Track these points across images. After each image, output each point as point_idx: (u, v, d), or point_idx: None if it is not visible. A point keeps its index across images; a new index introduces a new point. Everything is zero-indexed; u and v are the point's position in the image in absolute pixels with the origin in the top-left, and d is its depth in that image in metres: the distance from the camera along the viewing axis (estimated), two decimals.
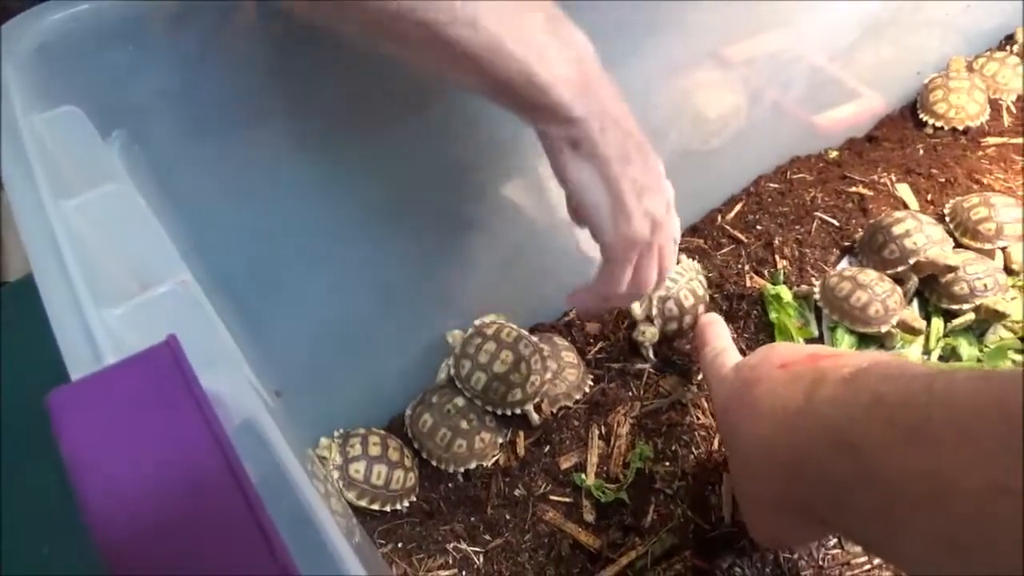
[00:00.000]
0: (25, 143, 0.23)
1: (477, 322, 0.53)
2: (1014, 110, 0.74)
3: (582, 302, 0.45)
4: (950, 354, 0.55)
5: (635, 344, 0.56)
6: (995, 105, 0.73)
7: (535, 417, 0.52)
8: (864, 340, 0.55)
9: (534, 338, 0.53)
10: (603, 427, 0.52)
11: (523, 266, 0.59)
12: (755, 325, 0.58)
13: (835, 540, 0.46)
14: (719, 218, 0.66)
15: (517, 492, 0.50)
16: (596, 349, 0.57)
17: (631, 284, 0.43)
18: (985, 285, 0.55)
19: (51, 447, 0.19)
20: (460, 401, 0.52)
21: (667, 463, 0.50)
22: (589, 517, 0.49)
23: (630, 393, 0.54)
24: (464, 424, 0.51)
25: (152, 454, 0.15)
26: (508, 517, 0.49)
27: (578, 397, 0.54)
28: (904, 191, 0.66)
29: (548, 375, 0.52)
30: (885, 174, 0.68)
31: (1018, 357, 0.54)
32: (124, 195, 0.23)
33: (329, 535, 0.18)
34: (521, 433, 0.53)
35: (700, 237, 0.65)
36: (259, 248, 0.42)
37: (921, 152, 0.70)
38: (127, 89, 0.30)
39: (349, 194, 0.45)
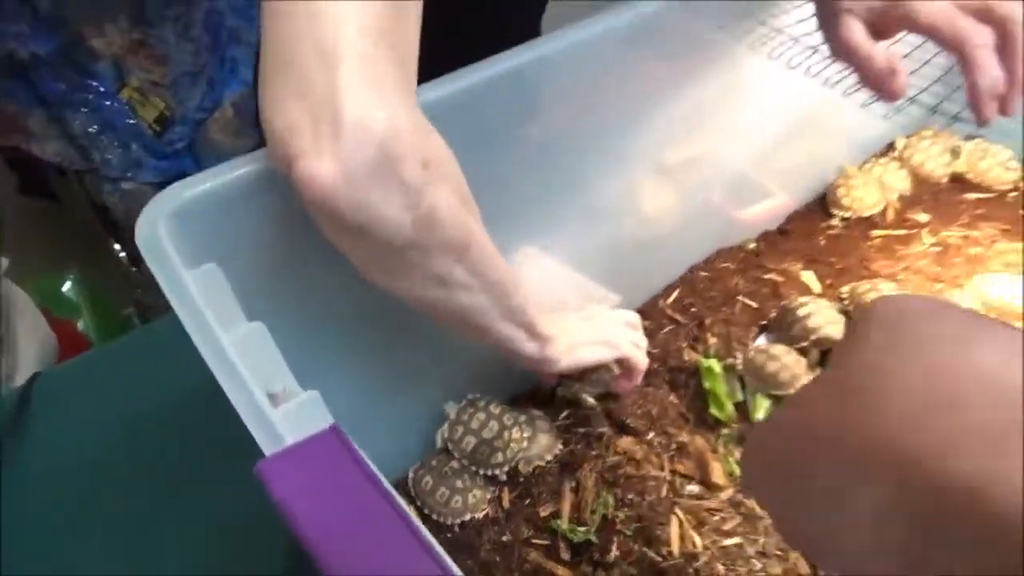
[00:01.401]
0: (188, 289, 0.35)
1: (469, 396, 0.65)
2: (898, 206, 0.90)
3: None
4: None
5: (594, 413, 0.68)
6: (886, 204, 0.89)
7: (503, 477, 0.63)
8: (777, 400, 0.68)
9: (514, 411, 0.65)
10: (573, 481, 0.64)
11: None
12: (693, 392, 0.71)
13: None
14: (660, 302, 0.80)
15: (504, 538, 0.61)
16: (564, 415, 0.69)
17: None
18: None
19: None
20: (455, 464, 0.63)
21: (626, 508, 0.61)
22: (565, 556, 0.60)
23: (593, 452, 0.66)
24: (459, 483, 0.62)
25: (340, 500, 0.26)
26: (498, 559, 0.60)
27: (549, 457, 0.65)
28: (808, 277, 0.81)
29: (524, 442, 0.64)
30: (793, 263, 0.83)
31: None
32: (259, 330, 0.34)
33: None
34: (505, 489, 0.64)
35: (646, 319, 0.78)
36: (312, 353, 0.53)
37: (823, 243, 0.85)
38: (239, 244, 0.41)
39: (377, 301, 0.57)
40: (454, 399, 0.65)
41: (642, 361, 0.66)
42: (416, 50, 0.44)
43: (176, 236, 0.38)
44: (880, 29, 0.50)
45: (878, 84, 0.49)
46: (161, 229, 0.38)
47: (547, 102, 0.67)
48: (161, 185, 1.75)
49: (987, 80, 0.45)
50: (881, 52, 0.48)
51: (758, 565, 0.59)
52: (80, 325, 1.67)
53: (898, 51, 0.49)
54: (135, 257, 1.60)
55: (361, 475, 0.26)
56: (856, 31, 0.49)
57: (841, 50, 0.50)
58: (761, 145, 0.86)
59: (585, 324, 0.64)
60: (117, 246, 1.60)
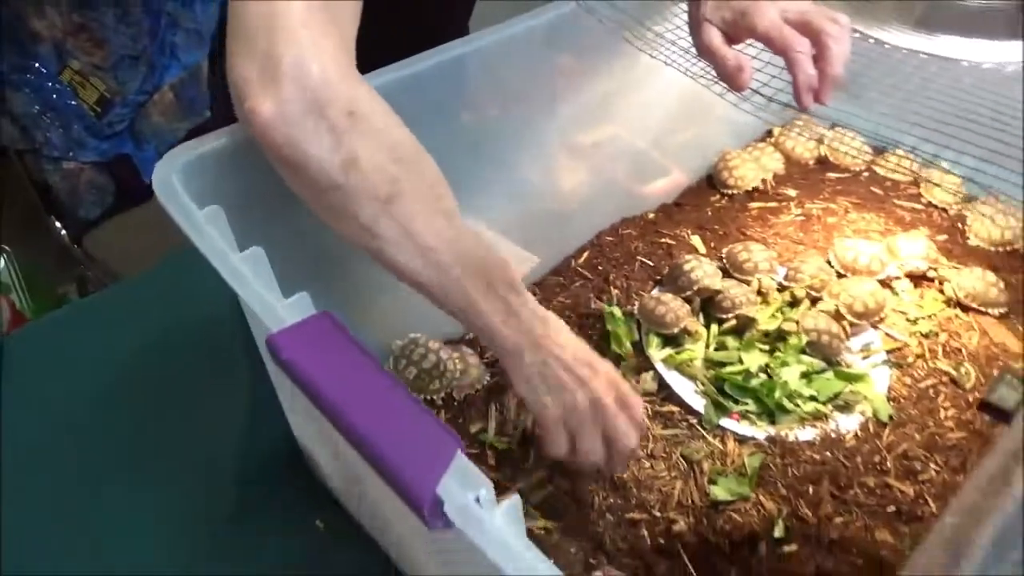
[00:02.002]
0: (198, 222, 0.46)
1: (411, 335, 0.77)
2: (772, 183, 1.06)
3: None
4: (721, 346, 0.83)
5: None
6: (763, 180, 1.05)
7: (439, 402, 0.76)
8: (666, 340, 0.83)
9: (449, 348, 0.78)
10: (498, 404, 0.77)
11: None
12: (599, 335, 0.85)
13: None
14: (572, 262, 0.93)
15: None
16: (490, 354, 0.82)
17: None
18: (741, 302, 0.85)
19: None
20: None
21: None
22: (491, 462, 0.73)
23: None
24: None
25: (335, 361, 0.38)
26: None
27: (479, 387, 0.78)
28: (696, 241, 0.96)
29: (458, 372, 0.76)
30: (685, 229, 0.98)
31: (764, 347, 0.83)
32: (258, 255, 0.46)
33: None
34: (442, 411, 0.76)
35: (559, 276, 0.92)
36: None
37: (709, 213, 1.01)
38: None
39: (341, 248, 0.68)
40: (399, 337, 0.77)
41: (552, 447, 0.59)
42: (355, 25, 0.53)
43: (184, 184, 0.49)
44: (732, 36, 0.64)
45: (729, 78, 0.63)
46: (174, 178, 0.48)
47: (477, 92, 0.79)
48: (100, 164, 1.80)
49: (804, 76, 0.59)
50: (732, 53, 0.62)
51: (647, 464, 0.73)
52: (16, 303, 1.70)
53: (747, 53, 0.63)
54: (77, 235, 1.65)
55: (351, 345, 0.38)
56: (714, 36, 0.63)
57: (703, 51, 0.64)
58: (657, 130, 1.01)
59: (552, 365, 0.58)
60: (58, 224, 1.64)
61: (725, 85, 0.64)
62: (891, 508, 0.69)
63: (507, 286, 0.55)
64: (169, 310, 0.87)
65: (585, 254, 0.94)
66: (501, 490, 0.71)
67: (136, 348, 0.84)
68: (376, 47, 0.59)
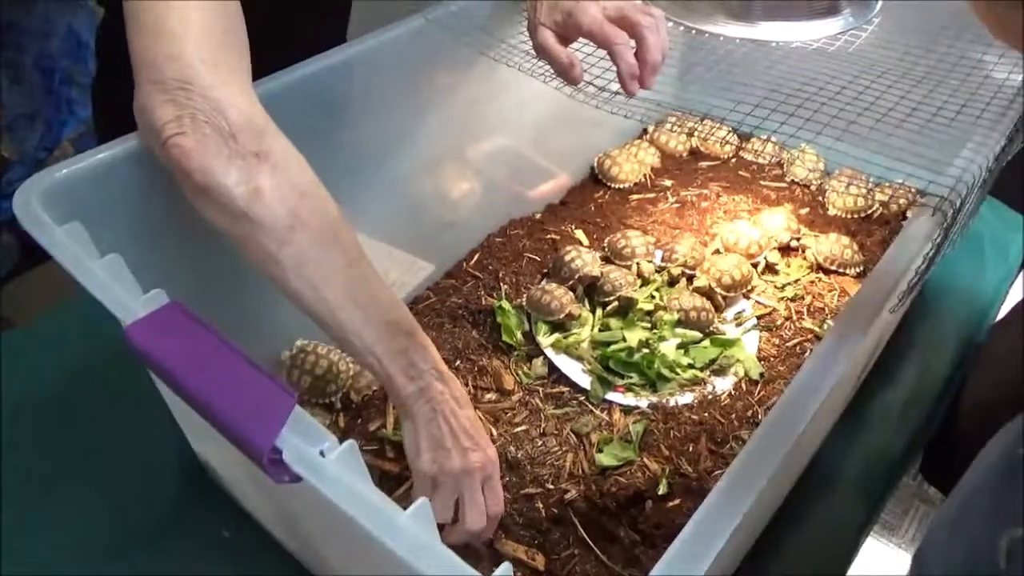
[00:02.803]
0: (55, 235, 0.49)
1: (299, 343, 0.79)
2: (652, 177, 1.13)
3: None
4: (605, 327, 0.88)
5: None
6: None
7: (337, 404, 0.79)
8: (554, 326, 0.88)
9: (341, 352, 0.81)
10: None
11: None
12: (490, 327, 0.89)
13: None
14: (464, 264, 0.98)
15: None
16: None
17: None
18: (622, 284, 0.90)
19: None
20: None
21: None
22: (390, 454, 0.76)
23: None
24: None
25: (192, 346, 0.41)
26: None
27: (376, 387, 0.81)
28: (580, 234, 1.01)
29: (351, 372, 0.79)
30: (570, 225, 1.03)
31: (645, 324, 0.88)
32: (116, 258, 0.48)
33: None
34: (341, 414, 0.79)
35: (452, 278, 0.96)
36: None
37: (592, 209, 1.07)
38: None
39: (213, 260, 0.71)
40: (286, 347, 0.80)
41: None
42: (248, 52, 0.58)
43: (45, 205, 0.52)
44: (564, 36, 0.70)
45: (563, 74, 0.69)
46: (33, 199, 0.51)
47: (353, 102, 0.83)
48: (3, 224, 1.74)
49: (625, 66, 0.65)
50: (563, 52, 0.68)
51: (540, 442, 0.77)
52: None
53: (578, 52, 0.69)
54: None
55: (199, 328, 0.41)
56: (548, 37, 0.69)
57: (540, 52, 0.70)
58: (536, 134, 1.06)
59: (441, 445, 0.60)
60: None
61: (563, 80, 0.70)
62: None
63: (407, 335, 0.58)
64: (68, 346, 0.88)
65: (476, 256, 0.99)
66: (404, 480, 0.74)
67: (38, 379, 0.84)
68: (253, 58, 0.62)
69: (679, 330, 0.86)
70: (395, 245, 0.93)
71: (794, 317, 0.89)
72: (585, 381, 0.82)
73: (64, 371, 0.85)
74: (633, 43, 0.66)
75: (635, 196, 1.08)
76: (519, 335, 0.88)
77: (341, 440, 0.40)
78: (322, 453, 0.39)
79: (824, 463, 0.78)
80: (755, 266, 0.94)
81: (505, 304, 0.89)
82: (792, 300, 0.92)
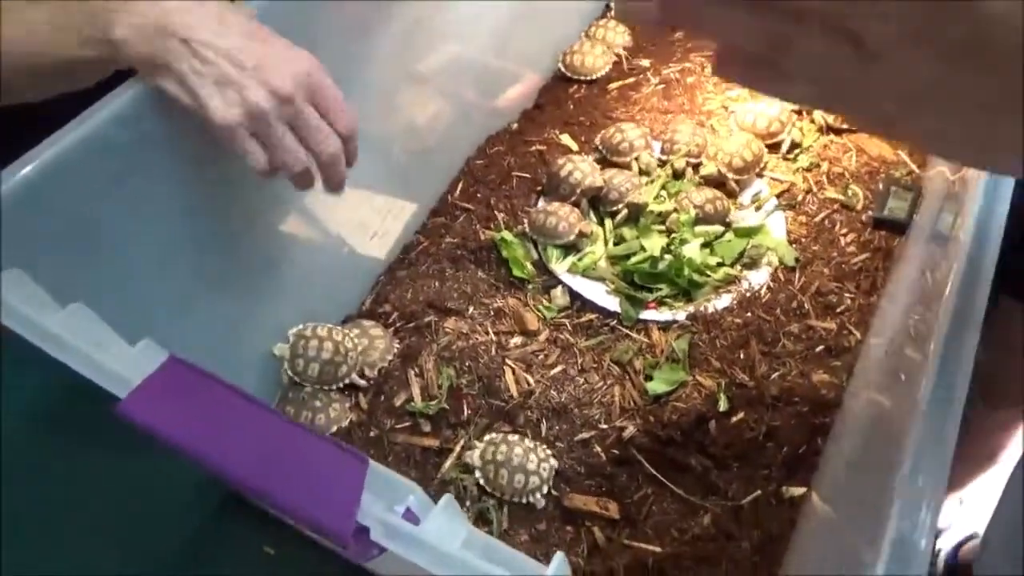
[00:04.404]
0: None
1: (293, 331, 0.70)
2: (630, 59, 1.02)
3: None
4: (619, 239, 0.81)
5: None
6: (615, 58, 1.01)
7: (361, 382, 0.71)
8: (565, 249, 0.80)
9: (342, 328, 0.72)
10: (416, 368, 0.72)
11: (310, 279, 0.76)
12: (495, 263, 0.81)
13: None
14: (449, 197, 0.88)
15: (372, 433, 0.69)
16: (393, 319, 0.77)
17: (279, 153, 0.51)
18: (627, 189, 0.82)
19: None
20: (309, 389, 0.70)
21: (466, 374, 0.71)
22: (426, 428, 0.69)
23: (427, 339, 0.74)
24: (318, 403, 0.69)
25: (202, 407, 0.32)
26: (372, 451, 0.68)
27: (390, 357, 0.73)
28: (566, 139, 0.92)
29: (361, 347, 0.71)
30: (552, 130, 0.94)
31: (660, 227, 0.81)
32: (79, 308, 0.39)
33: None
34: (360, 394, 0.72)
35: (440, 216, 0.87)
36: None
37: (572, 107, 0.97)
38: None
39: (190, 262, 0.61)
40: (281, 339, 0.71)
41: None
42: None
43: None
44: None
45: None
46: None
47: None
48: None
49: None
50: None
51: (581, 380, 0.71)
52: None
53: None
54: None
55: (213, 385, 0.33)
56: None
57: None
58: (496, 38, 0.95)
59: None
60: None
61: None
62: (819, 348, 0.69)
63: None
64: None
65: (460, 185, 0.89)
66: (446, 454, 0.68)
67: (39, 392, 0.74)
68: None
69: (698, 228, 0.79)
70: (369, 190, 0.83)
71: (814, 189, 0.83)
72: (613, 303, 0.75)
73: (67, 384, 0.75)
74: None
75: (614, 84, 0.98)
76: (529, 266, 0.80)
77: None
78: (408, 510, 0.32)
79: None
80: (778, 146, 0.86)
81: (507, 235, 0.81)
82: (808, 170, 0.85)
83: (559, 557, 0.31)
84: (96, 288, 0.43)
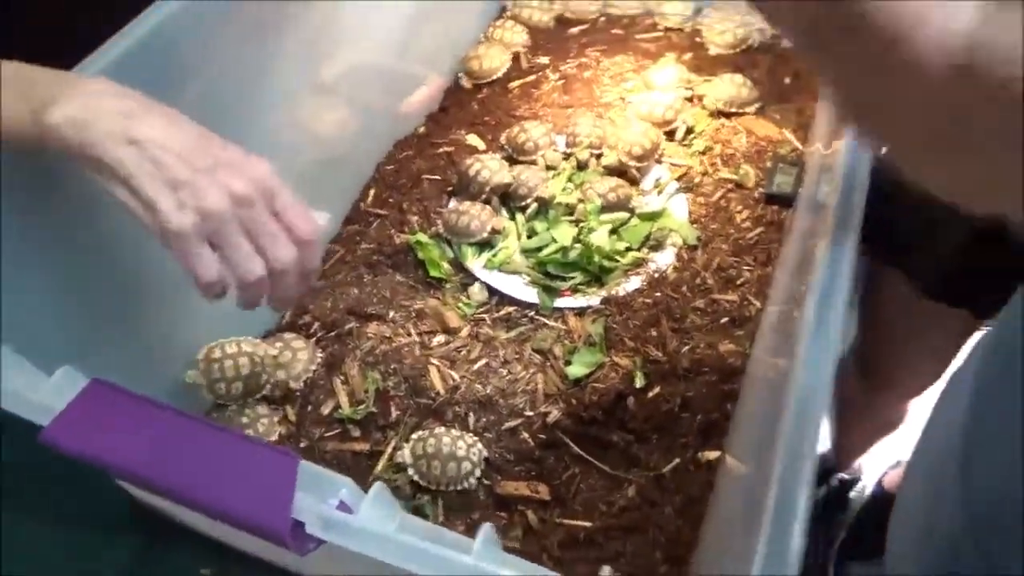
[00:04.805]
0: None
1: (200, 355, 0.69)
2: (530, 58, 1.05)
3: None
4: (531, 232, 0.84)
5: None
6: (515, 57, 1.04)
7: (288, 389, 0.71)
8: (480, 246, 0.82)
9: (259, 341, 0.72)
10: (341, 375, 0.73)
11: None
12: (413, 266, 0.82)
13: None
14: (362, 205, 0.89)
15: (302, 444, 0.70)
16: (314, 329, 0.78)
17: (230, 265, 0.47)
18: (535, 184, 0.85)
19: None
20: (234, 407, 0.70)
21: (392, 377, 0.73)
22: (356, 433, 0.70)
23: (349, 347, 0.75)
24: (245, 419, 0.69)
25: (133, 427, 0.33)
26: None
27: (314, 367, 0.74)
28: (473, 139, 0.94)
29: (281, 359, 0.72)
30: (459, 131, 0.96)
31: (569, 218, 0.84)
32: None
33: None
34: (287, 406, 0.72)
35: (355, 224, 0.87)
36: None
37: (476, 108, 0.99)
38: None
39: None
40: (187, 368, 0.70)
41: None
42: None
43: None
44: None
45: None
46: None
47: (190, 65, 0.70)
48: None
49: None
50: None
51: (504, 371, 0.74)
52: None
53: None
54: None
55: (139, 404, 0.33)
56: None
57: None
58: (397, 41, 0.96)
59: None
60: None
61: None
62: (724, 320, 0.74)
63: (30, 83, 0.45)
64: None
65: (371, 192, 0.90)
66: (377, 456, 0.69)
67: None
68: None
69: (604, 216, 0.83)
70: None
71: (710, 171, 0.88)
72: (530, 294, 0.78)
73: None
74: None
75: (515, 83, 1.01)
76: (446, 266, 0.82)
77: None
78: (346, 506, 0.33)
79: None
80: (673, 132, 0.90)
81: (421, 237, 0.83)
82: (703, 153, 0.89)
83: (485, 528, 0.33)
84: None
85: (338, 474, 0.35)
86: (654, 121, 0.90)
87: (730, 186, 0.86)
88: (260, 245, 0.48)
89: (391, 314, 0.78)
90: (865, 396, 1.02)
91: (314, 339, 0.77)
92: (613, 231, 0.82)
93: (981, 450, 0.43)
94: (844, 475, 1.19)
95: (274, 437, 0.70)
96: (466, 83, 1.01)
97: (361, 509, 0.33)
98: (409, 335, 0.76)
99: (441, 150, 0.93)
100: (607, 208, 0.83)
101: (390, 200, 0.89)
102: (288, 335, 0.76)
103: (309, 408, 0.72)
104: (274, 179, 0.50)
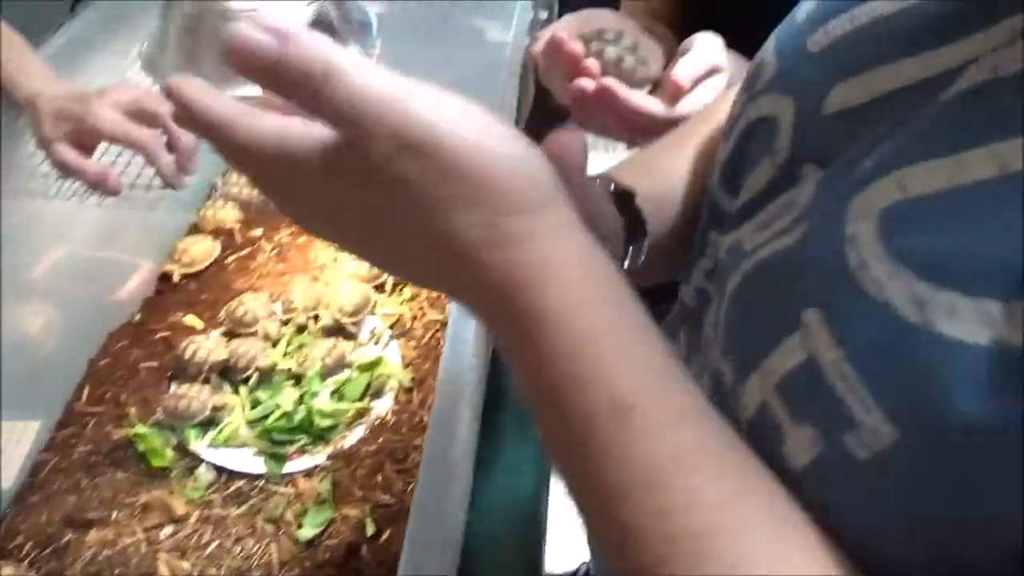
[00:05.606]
0: None
1: None
2: (244, 232, 1.10)
3: None
4: (256, 403, 0.87)
5: None
6: (229, 234, 1.09)
7: None
8: (204, 426, 0.84)
9: None
10: None
11: None
12: (135, 460, 0.81)
13: None
14: (76, 405, 0.87)
15: None
16: (27, 550, 0.73)
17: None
18: (255, 355, 0.89)
19: None
20: None
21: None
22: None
23: (68, 560, 0.72)
24: None
25: None
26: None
27: None
28: (191, 319, 0.96)
29: None
30: (176, 314, 0.97)
31: (292, 382, 0.88)
32: None
33: None
34: None
35: (68, 427, 0.85)
36: None
37: (193, 288, 1.01)
38: None
39: None
40: None
41: None
42: None
43: None
44: (83, 145, 0.65)
45: (98, 187, 0.65)
46: None
47: None
48: None
49: (162, 166, 0.64)
50: (90, 165, 0.64)
51: (237, 549, 0.75)
52: None
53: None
54: None
55: None
56: (66, 153, 0.64)
57: (62, 170, 0.65)
58: (96, 234, 0.97)
59: None
60: None
61: (101, 193, 0.65)
62: None
63: None
64: None
65: (85, 390, 0.89)
66: None
67: None
68: None
69: (329, 379, 0.88)
70: None
71: (419, 315, 0.97)
72: (259, 465, 0.80)
73: None
74: (162, 134, 0.64)
75: (231, 259, 1.05)
76: (170, 453, 0.82)
77: None
78: None
79: None
80: (383, 285, 0.99)
81: (140, 428, 0.82)
82: (411, 300, 0.99)
83: None
84: None
85: None
86: (363, 277, 0.98)
87: (438, 325, 0.95)
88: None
89: (114, 515, 0.76)
90: None
91: (27, 561, 0.73)
92: (335, 392, 0.87)
93: None
94: None
95: None
96: (176, 277, 1.02)
97: None
98: (134, 533, 0.75)
99: (158, 335, 0.94)
100: (326, 371, 0.88)
101: (106, 396, 0.88)
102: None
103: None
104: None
